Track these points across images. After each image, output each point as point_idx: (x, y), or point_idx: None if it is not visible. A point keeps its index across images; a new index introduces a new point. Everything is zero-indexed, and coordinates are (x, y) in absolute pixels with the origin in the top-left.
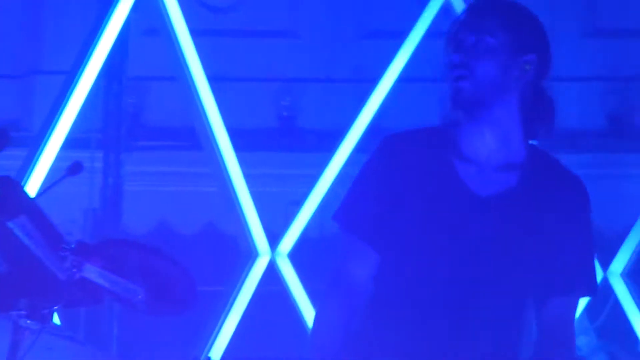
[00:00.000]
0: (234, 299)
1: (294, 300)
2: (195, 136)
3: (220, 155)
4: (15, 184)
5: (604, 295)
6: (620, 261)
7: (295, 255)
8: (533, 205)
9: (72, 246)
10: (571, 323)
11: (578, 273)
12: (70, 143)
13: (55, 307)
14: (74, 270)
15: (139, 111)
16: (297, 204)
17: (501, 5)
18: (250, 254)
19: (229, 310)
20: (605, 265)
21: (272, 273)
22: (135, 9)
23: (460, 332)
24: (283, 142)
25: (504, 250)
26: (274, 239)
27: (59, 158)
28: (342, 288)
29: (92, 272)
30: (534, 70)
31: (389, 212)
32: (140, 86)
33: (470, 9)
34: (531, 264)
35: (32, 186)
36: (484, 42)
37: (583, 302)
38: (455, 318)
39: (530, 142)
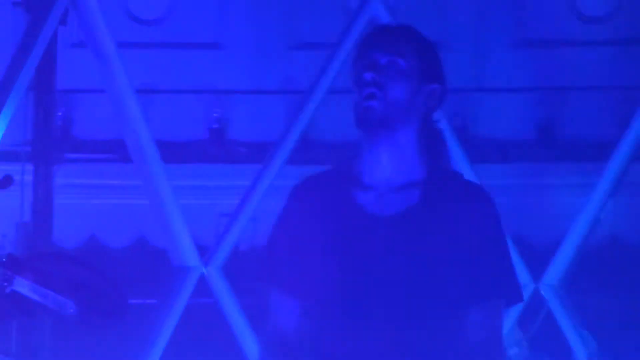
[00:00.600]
0: (165, 313)
1: (226, 313)
2: (124, 148)
3: (150, 168)
4: None
5: (536, 307)
6: (553, 272)
7: (226, 268)
8: (436, 218)
9: (3, 260)
10: (496, 331)
11: (493, 279)
12: (0, 156)
13: None
14: (5, 284)
15: (68, 123)
16: (227, 215)
17: (412, 33)
18: (181, 267)
19: (160, 324)
20: (537, 276)
21: (203, 286)
22: (63, 21)
23: (388, 351)
24: (213, 154)
25: (412, 265)
26: (204, 252)
27: None
28: (277, 342)
29: (23, 286)
30: (436, 100)
31: (304, 260)
32: (69, 98)
33: (382, 31)
34: (442, 275)
35: None
36: (397, 65)
37: (515, 313)
38: (381, 339)
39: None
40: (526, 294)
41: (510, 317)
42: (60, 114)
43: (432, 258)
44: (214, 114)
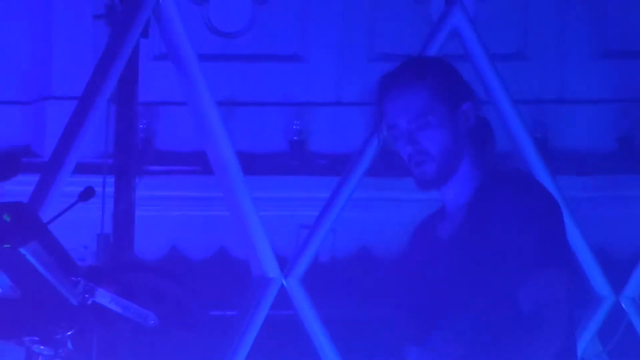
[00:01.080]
0: (246, 325)
1: (306, 325)
2: (206, 160)
3: (231, 179)
4: (27, 210)
5: (616, 319)
6: (634, 285)
7: (306, 279)
8: (476, 226)
9: (85, 271)
10: (546, 303)
11: (530, 254)
12: (81, 168)
13: (69, 333)
14: (86, 295)
15: (150, 136)
16: (307, 227)
17: (423, 73)
18: (261, 278)
19: (240, 335)
20: (618, 289)
21: (283, 297)
22: (145, 34)
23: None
24: (293, 166)
25: (467, 273)
26: (284, 263)
27: (70, 183)
28: None
29: (104, 298)
30: (473, 113)
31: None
32: (151, 111)
33: (396, 94)
34: (491, 271)
35: (45, 212)
36: (428, 124)
37: (595, 325)
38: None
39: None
40: (607, 306)
41: (590, 330)
42: (142, 126)
43: (479, 264)
44: (294, 126)
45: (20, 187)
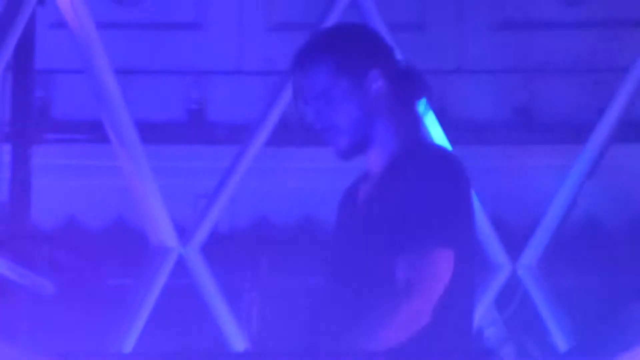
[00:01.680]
0: (143, 294)
1: (204, 294)
2: (103, 129)
3: (128, 148)
4: None
5: (513, 288)
6: (530, 253)
7: (204, 250)
8: (378, 194)
9: None
10: (418, 281)
11: (409, 232)
12: None
13: None
14: None
15: (47, 104)
16: (205, 197)
17: (321, 50)
18: (159, 248)
19: (137, 304)
20: (514, 258)
21: (181, 267)
22: (41, 1)
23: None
24: (192, 135)
25: (364, 237)
26: (182, 233)
27: None
28: None
29: (0, 266)
30: (385, 76)
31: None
32: (48, 79)
33: (297, 72)
34: (378, 241)
35: None
36: (330, 98)
37: (492, 293)
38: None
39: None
40: (503, 275)
41: (487, 298)
42: (39, 94)
43: (373, 230)
44: (193, 95)
45: None
